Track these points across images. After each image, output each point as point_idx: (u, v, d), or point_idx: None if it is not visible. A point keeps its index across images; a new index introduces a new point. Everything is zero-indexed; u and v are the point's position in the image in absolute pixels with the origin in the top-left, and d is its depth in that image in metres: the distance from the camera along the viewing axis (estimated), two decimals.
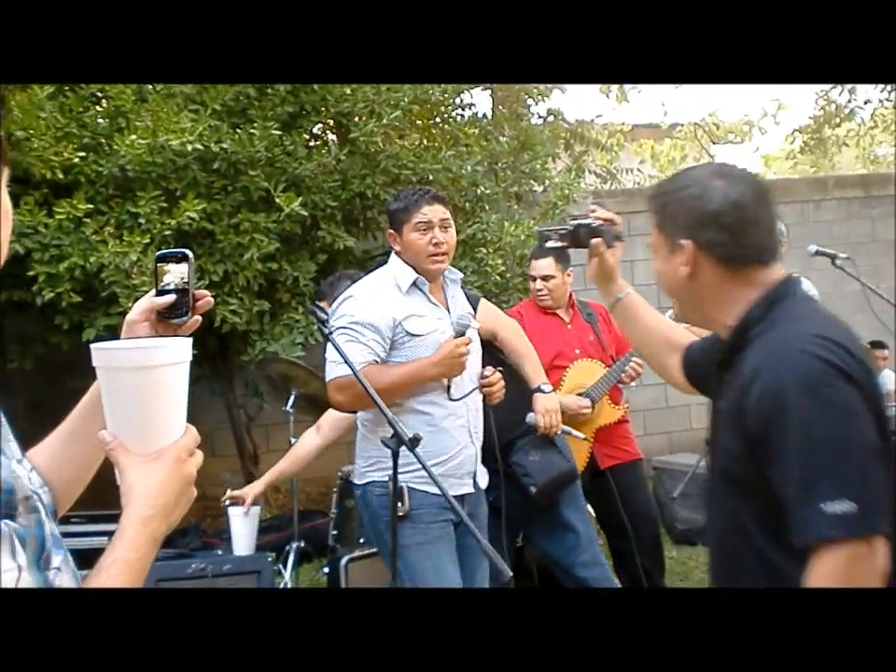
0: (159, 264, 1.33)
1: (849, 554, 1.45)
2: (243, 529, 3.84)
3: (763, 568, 1.61)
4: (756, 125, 12.97)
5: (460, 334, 2.87)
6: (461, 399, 2.92)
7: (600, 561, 3.47)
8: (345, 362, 2.49)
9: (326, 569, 4.33)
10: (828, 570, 1.45)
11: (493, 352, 3.34)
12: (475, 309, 3.33)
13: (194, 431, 1.15)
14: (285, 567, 4.56)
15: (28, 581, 0.96)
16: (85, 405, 1.29)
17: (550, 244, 2.12)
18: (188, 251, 1.35)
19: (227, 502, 3.83)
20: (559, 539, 3.45)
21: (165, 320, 1.32)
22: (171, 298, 1.32)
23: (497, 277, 5.19)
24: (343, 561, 3.82)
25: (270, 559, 3.96)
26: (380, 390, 2.59)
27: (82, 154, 4.26)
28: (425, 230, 2.92)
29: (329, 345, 2.81)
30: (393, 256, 3.06)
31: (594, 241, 1.98)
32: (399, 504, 2.86)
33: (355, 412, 3.10)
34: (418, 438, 2.33)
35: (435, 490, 2.75)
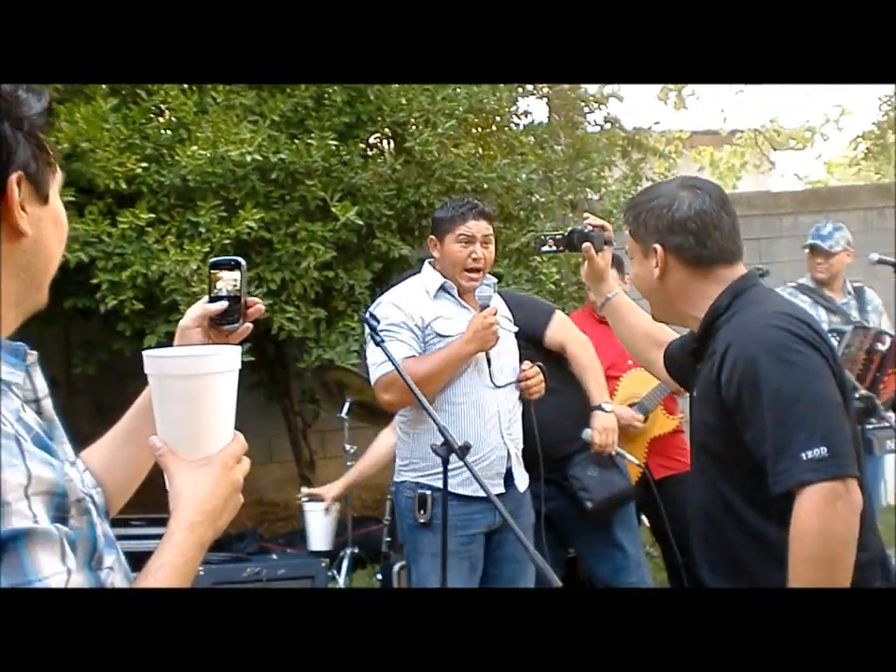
0: (212, 271, 1.36)
1: (827, 495, 1.60)
2: (321, 527, 3.87)
3: (745, 534, 1.78)
4: (818, 131, 12.74)
5: (484, 307, 2.92)
6: (505, 386, 2.97)
7: (647, 584, 3.44)
8: (389, 359, 2.58)
9: (379, 576, 4.36)
10: (810, 510, 1.61)
11: (563, 364, 3.35)
12: (548, 321, 3.38)
13: (242, 439, 1.18)
14: (339, 572, 4.60)
15: (79, 582, 0.98)
16: (139, 408, 1.32)
17: (545, 248, 2.29)
18: (240, 259, 1.37)
19: (304, 499, 3.86)
20: (608, 559, 3.42)
21: (217, 326, 1.35)
22: (223, 305, 1.34)
23: (552, 286, 5.17)
24: (396, 568, 3.84)
25: (324, 564, 4.00)
26: (421, 379, 2.70)
27: (144, 165, 4.36)
28: (466, 243, 2.98)
29: (369, 349, 2.95)
30: (426, 265, 3.13)
31: (584, 244, 2.20)
32: (422, 511, 2.93)
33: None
34: (468, 446, 2.34)
35: (466, 491, 2.83)
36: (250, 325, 1.37)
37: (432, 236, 3.08)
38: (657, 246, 1.88)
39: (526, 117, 6.39)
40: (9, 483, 0.91)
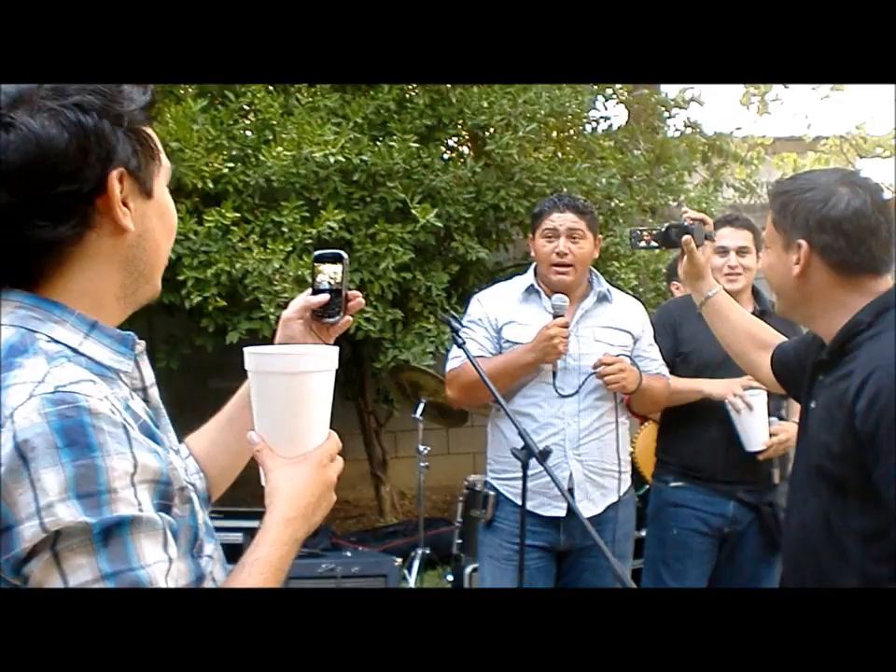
0: (315, 264, 1.38)
1: None
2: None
3: (845, 566, 1.64)
4: None
5: (556, 316, 2.77)
6: (572, 395, 2.82)
7: None
8: (465, 354, 2.58)
9: (450, 577, 4.37)
10: None
11: None
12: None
13: (336, 437, 1.20)
14: (410, 572, 4.63)
15: (181, 570, 1.02)
16: (242, 396, 1.35)
17: (641, 244, 2.19)
18: (342, 252, 1.39)
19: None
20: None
21: (318, 319, 1.38)
22: (324, 297, 1.37)
23: (630, 292, 5.12)
24: (468, 570, 3.85)
25: (397, 564, 4.03)
26: (477, 382, 2.61)
27: (231, 165, 4.45)
28: (550, 237, 2.89)
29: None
30: (532, 266, 3.06)
31: (685, 238, 2.07)
32: (483, 509, 2.92)
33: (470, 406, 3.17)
34: (549, 451, 2.33)
35: (519, 502, 2.65)
36: (350, 318, 1.39)
37: (530, 235, 3.05)
38: (803, 242, 1.72)
39: (605, 121, 6.35)
40: (117, 470, 0.93)
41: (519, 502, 2.67)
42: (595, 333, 2.91)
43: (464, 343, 2.61)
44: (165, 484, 1.00)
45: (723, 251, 3.16)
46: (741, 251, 3.17)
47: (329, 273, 1.38)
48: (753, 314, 3.18)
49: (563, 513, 2.80)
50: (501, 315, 2.92)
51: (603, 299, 2.98)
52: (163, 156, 1.13)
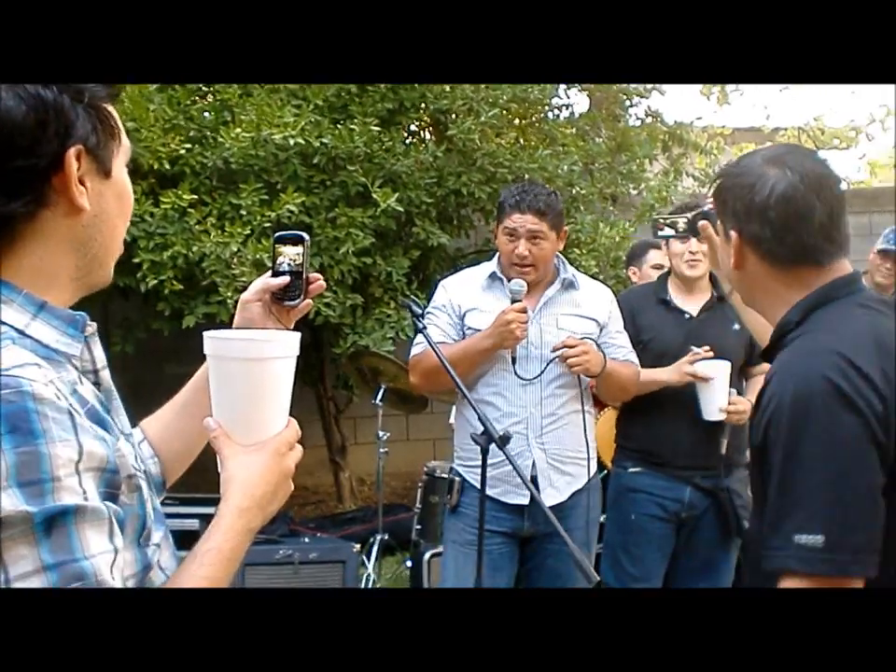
0: (276, 245, 1.35)
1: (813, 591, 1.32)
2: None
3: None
4: (863, 131, 12.54)
5: (514, 301, 2.75)
6: (534, 378, 2.80)
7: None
8: (426, 341, 2.58)
9: (409, 563, 4.36)
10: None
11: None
12: None
13: (296, 425, 1.17)
14: (368, 558, 4.62)
15: (127, 559, 0.98)
16: (197, 380, 1.32)
17: (662, 233, 2.11)
18: (304, 234, 1.36)
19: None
20: (705, 580, 3.17)
21: (278, 301, 1.35)
22: (285, 279, 1.33)
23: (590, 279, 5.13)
24: (427, 556, 3.85)
25: (355, 550, 4.01)
26: (437, 368, 2.60)
27: (188, 146, 4.38)
28: (511, 238, 2.85)
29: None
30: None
31: (700, 224, 1.90)
32: (448, 495, 2.93)
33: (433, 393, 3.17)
34: (508, 436, 2.32)
35: (490, 492, 2.66)
36: (311, 301, 1.36)
37: (494, 223, 3.02)
38: (733, 233, 1.55)
39: (567, 109, 6.36)
40: (60, 457, 0.90)
41: (477, 486, 2.65)
42: (558, 321, 2.88)
43: (424, 328, 2.59)
44: (112, 472, 0.97)
45: (685, 238, 3.18)
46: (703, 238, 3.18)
47: (290, 255, 1.34)
48: (711, 300, 3.20)
49: (526, 501, 2.79)
50: (465, 302, 2.90)
51: (569, 286, 2.95)
52: (124, 136, 1.09)
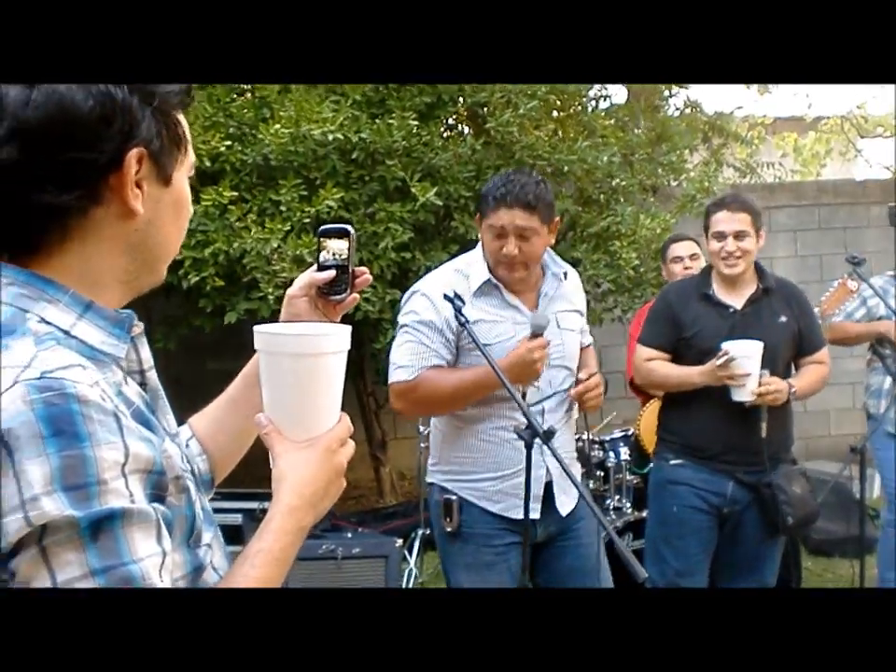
0: (321, 239, 1.33)
1: None
2: None
3: None
4: None
5: (535, 335, 2.50)
6: (539, 402, 2.60)
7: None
8: (484, 351, 2.35)
9: None
10: None
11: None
12: (799, 304, 3.17)
13: (347, 421, 1.15)
14: (410, 553, 4.62)
15: (177, 561, 0.98)
16: (246, 375, 1.31)
17: None
18: (349, 227, 1.34)
19: None
20: (747, 578, 3.16)
21: (324, 296, 1.33)
22: (330, 274, 1.31)
23: (631, 271, 5.08)
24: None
25: (397, 544, 4.01)
26: (442, 398, 2.52)
27: (228, 143, 4.40)
28: (498, 235, 2.57)
29: (394, 344, 2.64)
30: (478, 249, 2.72)
31: None
32: (448, 519, 2.64)
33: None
34: (554, 431, 2.28)
35: (493, 508, 2.60)
36: (357, 295, 1.34)
37: (477, 215, 2.69)
38: None
39: (606, 100, 6.29)
40: (106, 460, 0.89)
41: (483, 505, 2.61)
42: (558, 321, 2.69)
43: (467, 321, 2.48)
44: (159, 474, 0.95)
45: (720, 236, 3.11)
46: (739, 235, 3.11)
47: (335, 249, 1.32)
48: (756, 292, 3.14)
49: (538, 514, 2.60)
50: (466, 314, 2.54)
51: (559, 279, 2.75)
52: (190, 146, 1.08)
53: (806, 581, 4.31)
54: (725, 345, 2.97)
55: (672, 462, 3.17)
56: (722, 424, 3.07)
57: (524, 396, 2.53)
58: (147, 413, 1.01)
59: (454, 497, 2.63)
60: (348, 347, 1.14)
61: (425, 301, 2.60)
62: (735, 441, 3.07)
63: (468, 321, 2.47)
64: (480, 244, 2.72)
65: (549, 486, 2.65)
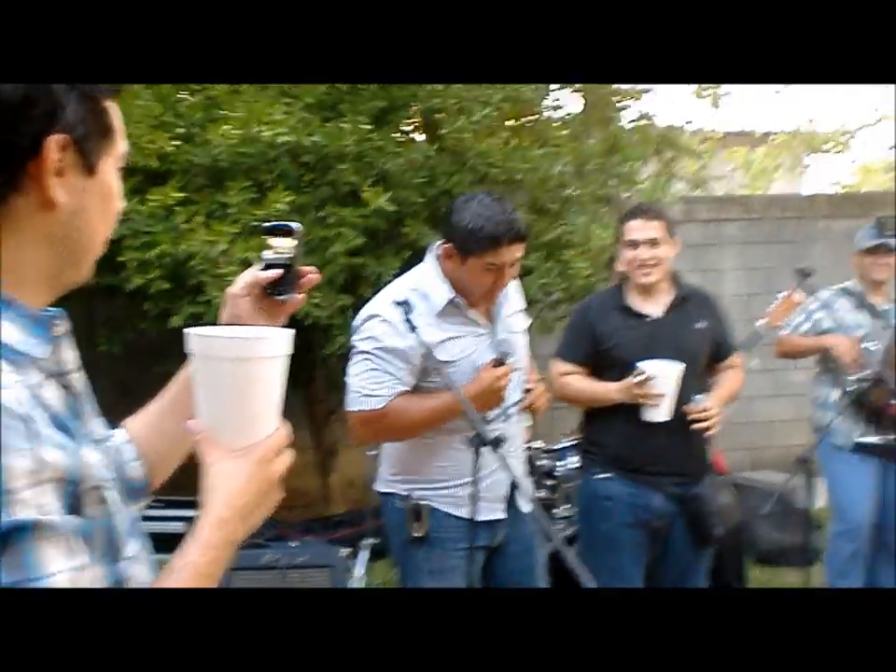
0: (265, 236, 1.28)
1: None
2: None
3: None
4: (854, 135, 12.55)
5: (499, 363, 2.55)
6: (498, 418, 2.65)
7: None
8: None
9: None
10: None
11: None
12: (713, 310, 3.21)
13: (285, 429, 1.10)
14: (357, 562, 4.55)
15: (96, 576, 0.92)
16: (185, 378, 1.25)
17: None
18: (295, 224, 1.29)
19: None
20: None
21: (269, 296, 1.27)
22: (276, 273, 1.26)
23: (583, 281, 5.09)
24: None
25: (343, 554, 3.95)
26: (411, 426, 2.51)
27: (176, 143, 4.32)
28: (494, 271, 2.56)
29: (353, 371, 2.60)
30: (430, 261, 2.68)
31: None
32: (416, 523, 2.65)
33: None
34: (502, 439, 2.26)
35: (459, 513, 2.61)
36: (303, 296, 1.29)
37: (448, 245, 2.59)
38: None
39: (560, 109, 6.30)
40: (14, 469, 0.83)
41: (451, 511, 2.63)
42: (510, 324, 2.75)
43: (415, 328, 2.48)
44: (74, 483, 0.90)
45: (634, 244, 3.10)
46: (653, 243, 3.11)
47: (281, 247, 1.28)
48: (675, 300, 3.14)
49: (502, 515, 2.71)
50: (431, 337, 2.56)
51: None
52: (120, 135, 1.03)
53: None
54: (642, 365, 2.96)
55: (600, 476, 3.14)
56: (647, 435, 3.04)
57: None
58: (67, 419, 0.95)
59: (422, 504, 2.66)
60: (288, 352, 1.09)
61: (386, 326, 2.56)
62: (661, 452, 3.05)
63: (416, 327, 2.49)
64: (431, 262, 2.69)
65: (514, 487, 2.70)
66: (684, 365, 2.98)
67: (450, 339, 2.61)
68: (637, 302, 3.16)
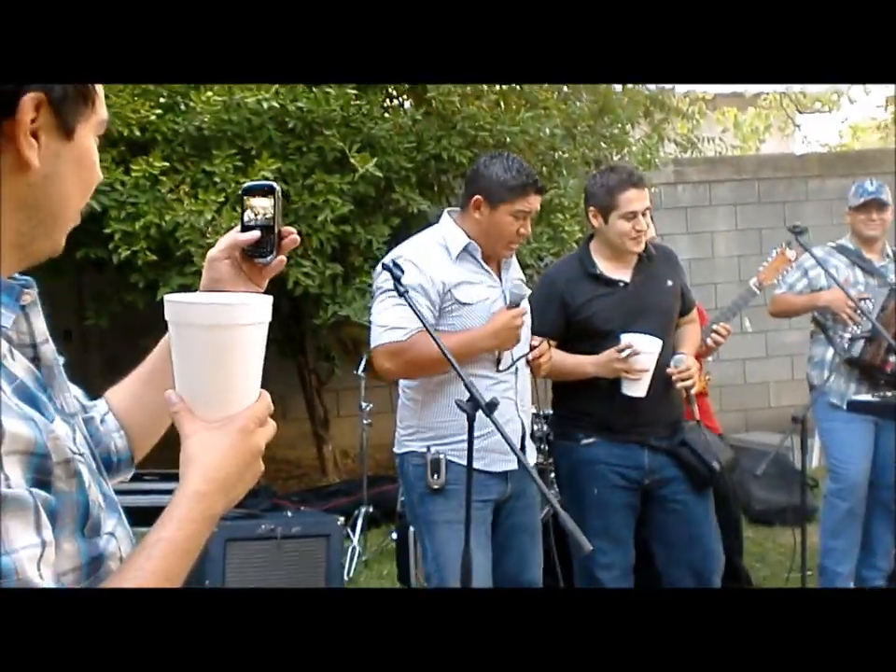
0: (244, 197, 1.23)
1: None
2: None
3: None
4: (845, 94, 12.47)
5: (514, 305, 2.74)
6: (508, 368, 2.80)
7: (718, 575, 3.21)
8: (419, 326, 2.44)
9: (394, 535, 4.30)
10: None
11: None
12: (675, 265, 3.22)
13: (267, 399, 1.04)
14: (353, 531, 4.56)
15: (68, 552, 0.89)
16: (164, 348, 1.20)
17: None
18: (274, 184, 1.24)
19: None
20: (694, 542, 3.14)
21: (249, 259, 1.23)
22: (255, 234, 1.22)
23: (574, 244, 5.05)
24: (413, 529, 3.77)
25: (339, 522, 3.94)
26: (432, 359, 2.53)
27: (159, 112, 4.25)
28: (520, 218, 2.79)
29: (377, 309, 2.75)
30: (446, 217, 2.89)
31: None
32: (435, 476, 2.77)
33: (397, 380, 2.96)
34: (495, 402, 2.24)
35: (477, 465, 2.59)
36: (284, 258, 1.25)
37: (478, 196, 2.79)
38: None
39: None
40: None
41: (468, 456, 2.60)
42: (516, 284, 2.85)
43: (406, 291, 2.47)
44: (41, 456, 0.85)
45: (631, 215, 2.99)
46: (647, 212, 3.05)
47: (260, 208, 1.23)
48: (641, 261, 3.09)
49: (514, 466, 2.77)
50: (448, 277, 2.75)
51: None
52: (100, 102, 0.98)
53: (748, 550, 4.35)
54: (627, 338, 2.93)
55: (584, 441, 3.09)
56: (629, 398, 3.01)
57: (499, 360, 2.78)
58: (35, 390, 0.91)
59: (440, 455, 2.77)
60: (268, 319, 1.05)
61: (410, 265, 2.70)
62: (645, 410, 3.02)
63: (407, 290, 2.49)
64: (446, 220, 2.87)
65: (523, 442, 2.84)
66: (661, 341, 2.97)
67: (466, 282, 2.78)
68: (608, 268, 3.10)
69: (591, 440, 3.08)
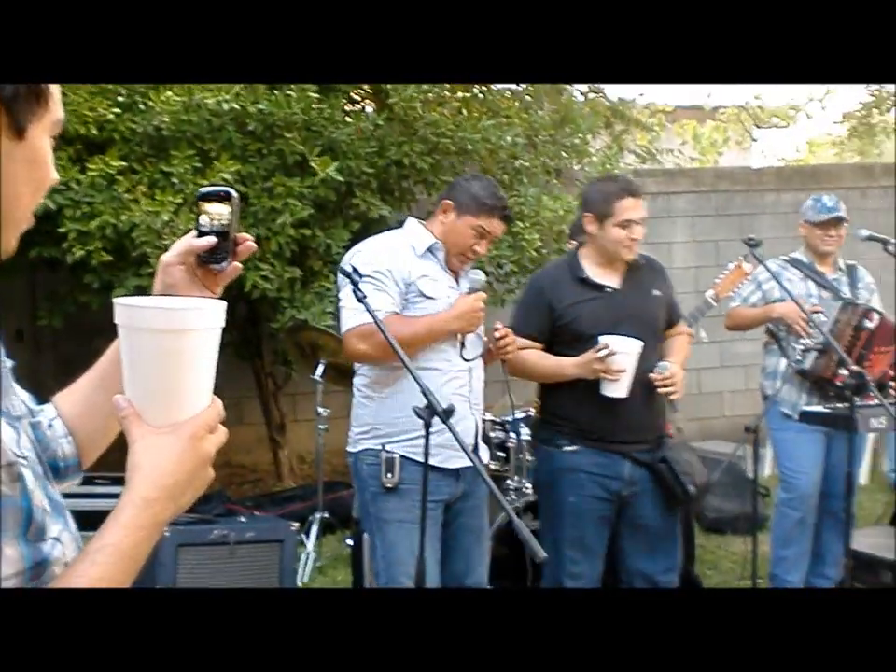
0: (200, 202, 1.22)
1: None
2: None
3: None
4: (802, 109, 12.70)
5: (473, 291, 2.89)
6: (474, 359, 2.90)
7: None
8: (370, 314, 2.48)
9: (349, 541, 4.28)
10: None
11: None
12: (664, 277, 3.27)
13: (219, 405, 1.03)
14: (308, 537, 4.52)
15: (10, 557, 0.87)
16: (115, 352, 1.18)
17: None
18: (231, 190, 1.23)
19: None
20: (661, 554, 3.17)
21: (204, 265, 1.22)
22: (210, 241, 1.20)
23: (533, 252, 5.07)
24: (367, 534, 3.76)
25: (293, 528, 3.91)
26: (400, 341, 2.53)
27: (117, 111, 4.20)
28: (479, 236, 2.94)
29: (345, 293, 2.81)
30: (411, 221, 3.03)
31: None
32: (388, 475, 2.82)
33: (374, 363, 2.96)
34: (452, 409, 2.25)
35: (431, 461, 2.60)
36: (239, 265, 1.23)
37: (449, 201, 2.95)
38: None
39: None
40: None
41: (421, 460, 2.59)
42: (471, 273, 2.99)
43: (364, 297, 2.48)
44: None
45: (627, 223, 3.03)
46: (642, 221, 3.08)
47: (216, 214, 1.21)
48: (629, 269, 3.12)
49: (466, 462, 2.73)
50: (413, 269, 2.87)
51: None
52: (55, 103, 0.96)
53: (700, 557, 4.39)
54: (605, 339, 2.94)
55: (566, 448, 3.10)
56: (612, 405, 3.02)
57: (463, 346, 2.89)
58: None
59: (395, 455, 2.82)
60: (221, 324, 1.03)
61: (375, 254, 2.89)
62: (626, 421, 3.04)
63: (364, 296, 2.52)
64: (411, 223, 3.02)
65: (476, 441, 2.94)
66: (643, 343, 2.97)
67: (430, 277, 2.89)
68: (596, 274, 3.13)
69: (573, 447, 3.09)
